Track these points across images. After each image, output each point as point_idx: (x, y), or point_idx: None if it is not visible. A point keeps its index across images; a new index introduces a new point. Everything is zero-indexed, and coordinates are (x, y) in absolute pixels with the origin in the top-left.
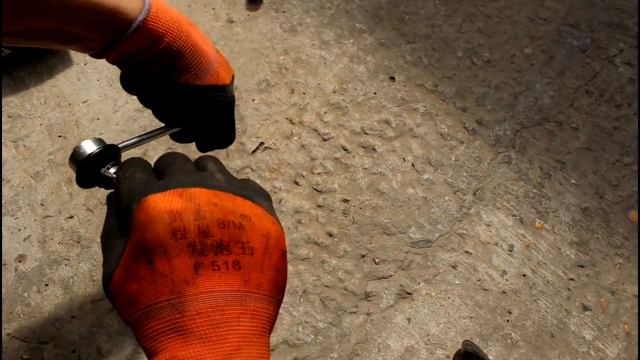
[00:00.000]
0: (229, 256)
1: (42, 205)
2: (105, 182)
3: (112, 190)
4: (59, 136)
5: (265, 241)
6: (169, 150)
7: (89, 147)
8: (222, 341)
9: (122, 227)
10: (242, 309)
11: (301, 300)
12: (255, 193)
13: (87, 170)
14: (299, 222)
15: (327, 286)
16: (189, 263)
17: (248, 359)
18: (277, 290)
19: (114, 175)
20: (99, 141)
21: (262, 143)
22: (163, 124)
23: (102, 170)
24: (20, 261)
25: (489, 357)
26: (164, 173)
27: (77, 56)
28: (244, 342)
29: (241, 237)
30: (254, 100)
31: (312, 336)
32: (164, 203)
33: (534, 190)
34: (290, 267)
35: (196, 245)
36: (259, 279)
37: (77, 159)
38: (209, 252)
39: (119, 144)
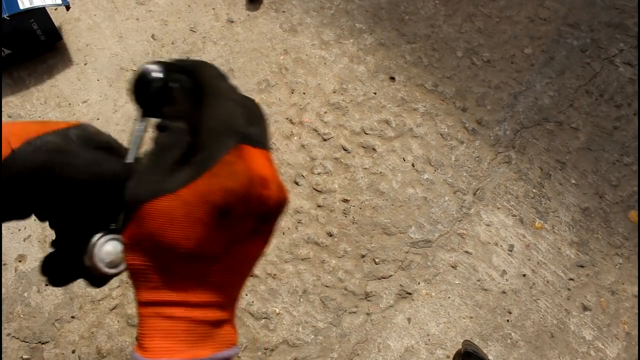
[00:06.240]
0: None
1: None
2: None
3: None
4: None
5: None
6: None
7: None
8: None
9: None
10: None
11: (301, 300)
12: None
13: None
14: (299, 222)
15: (327, 286)
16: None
17: None
18: None
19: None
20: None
21: None
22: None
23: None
24: (20, 261)
25: (489, 357)
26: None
27: (77, 56)
28: None
29: None
30: None
31: (312, 336)
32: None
33: (534, 190)
34: (290, 267)
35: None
36: None
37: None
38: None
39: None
